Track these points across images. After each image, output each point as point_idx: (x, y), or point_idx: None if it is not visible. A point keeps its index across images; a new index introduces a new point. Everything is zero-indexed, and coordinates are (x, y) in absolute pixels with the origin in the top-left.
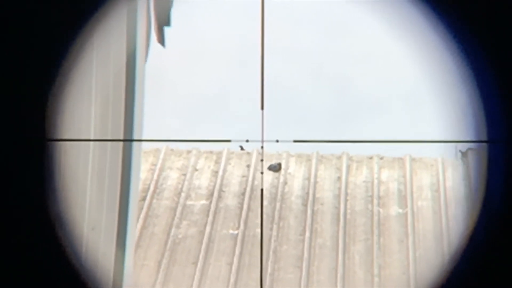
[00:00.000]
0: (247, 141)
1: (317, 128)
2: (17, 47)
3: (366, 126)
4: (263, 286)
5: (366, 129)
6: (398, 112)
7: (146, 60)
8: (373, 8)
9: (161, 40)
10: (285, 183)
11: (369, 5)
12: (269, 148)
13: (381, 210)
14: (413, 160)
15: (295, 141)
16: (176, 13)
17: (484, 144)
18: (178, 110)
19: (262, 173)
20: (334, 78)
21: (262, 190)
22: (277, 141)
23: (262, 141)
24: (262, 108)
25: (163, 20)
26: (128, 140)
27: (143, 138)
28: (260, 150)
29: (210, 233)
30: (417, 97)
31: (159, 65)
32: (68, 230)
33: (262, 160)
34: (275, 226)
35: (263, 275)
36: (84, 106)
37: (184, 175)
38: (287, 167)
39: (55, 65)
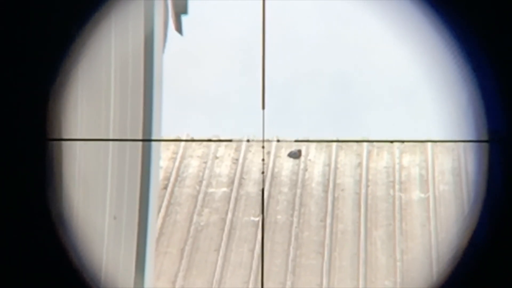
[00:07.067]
0: (247, 140)
1: (317, 125)
2: (17, 46)
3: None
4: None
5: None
6: (395, 110)
7: (164, 48)
8: (374, 6)
9: (179, 28)
10: (306, 169)
11: (369, 4)
12: (288, 134)
13: (402, 195)
14: (434, 144)
15: (296, 140)
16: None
17: (485, 144)
18: (175, 107)
19: (263, 173)
20: (335, 74)
21: (263, 190)
22: (278, 140)
23: (263, 141)
24: (263, 107)
25: (181, 8)
26: (125, 140)
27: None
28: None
29: (232, 220)
30: (417, 95)
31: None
32: (70, 229)
33: (263, 160)
34: (296, 213)
35: (287, 261)
36: (102, 97)
37: (205, 163)
38: (307, 154)
39: (58, 62)
